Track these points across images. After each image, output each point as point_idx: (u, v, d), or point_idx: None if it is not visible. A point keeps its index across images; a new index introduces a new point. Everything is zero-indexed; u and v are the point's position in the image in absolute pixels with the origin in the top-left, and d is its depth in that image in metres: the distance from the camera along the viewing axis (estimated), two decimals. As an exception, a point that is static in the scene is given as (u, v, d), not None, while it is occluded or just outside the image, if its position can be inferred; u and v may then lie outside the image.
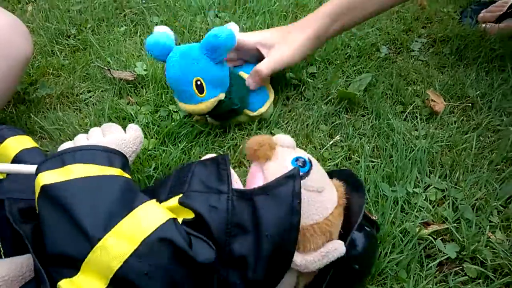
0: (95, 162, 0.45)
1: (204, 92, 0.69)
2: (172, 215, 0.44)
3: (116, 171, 0.46)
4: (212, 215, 0.45)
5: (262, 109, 0.80)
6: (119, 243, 0.40)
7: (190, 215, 0.46)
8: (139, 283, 0.39)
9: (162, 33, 0.71)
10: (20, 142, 0.59)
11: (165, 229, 0.42)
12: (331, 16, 0.81)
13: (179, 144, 0.75)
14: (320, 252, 0.46)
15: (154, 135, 0.77)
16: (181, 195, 0.48)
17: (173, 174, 0.54)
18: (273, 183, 0.47)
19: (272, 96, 0.83)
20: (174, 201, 0.48)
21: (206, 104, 0.70)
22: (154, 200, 0.45)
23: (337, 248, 0.47)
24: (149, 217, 0.42)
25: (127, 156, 0.53)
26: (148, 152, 0.73)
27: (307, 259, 0.46)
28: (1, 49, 0.71)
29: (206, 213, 0.45)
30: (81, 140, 0.54)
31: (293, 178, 0.46)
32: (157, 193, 0.51)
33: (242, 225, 0.45)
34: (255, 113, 0.80)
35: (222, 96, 0.72)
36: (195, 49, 0.69)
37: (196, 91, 0.69)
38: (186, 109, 0.71)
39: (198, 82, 0.68)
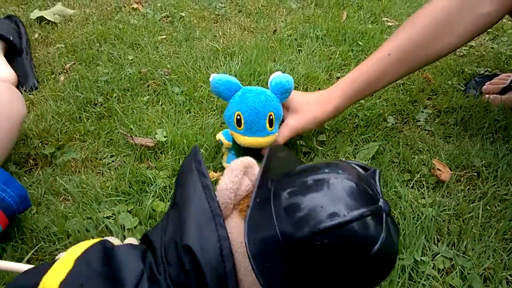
0: None
1: (273, 126, 0.81)
2: (103, 239, 0.50)
3: None
4: (153, 231, 0.50)
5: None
6: (53, 274, 0.43)
7: None
8: None
9: (229, 75, 0.83)
10: None
11: (94, 245, 0.46)
12: (345, 96, 0.91)
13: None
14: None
15: (171, 198, 0.80)
16: None
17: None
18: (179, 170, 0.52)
19: None
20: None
21: (272, 137, 0.82)
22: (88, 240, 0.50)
23: None
24: (81, 244, 0.47)
25: None
26: (164, 216, 0.77)
27: None
28: (4, 110, 0.81)
29: (149, 232, 0.49)
30: None
31: (193, 154, 0.50)
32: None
33: (173, 224, 0.47)
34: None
35: (277, 135, 0.84)
36: (266, 90, 0.83)
37: (268, 125, 0.80)
38: (251, 142, 0.80)
39: (271, 117, 0.80)
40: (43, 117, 1.03)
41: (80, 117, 1.05)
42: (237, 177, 0.46)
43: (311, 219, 0.38)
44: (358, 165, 0.47)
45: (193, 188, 0.46)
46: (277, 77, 0.83)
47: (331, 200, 0.39)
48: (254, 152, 0.83)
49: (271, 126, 0.80)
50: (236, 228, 0.45)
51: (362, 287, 0.42)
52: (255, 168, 0.50)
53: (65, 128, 1.01)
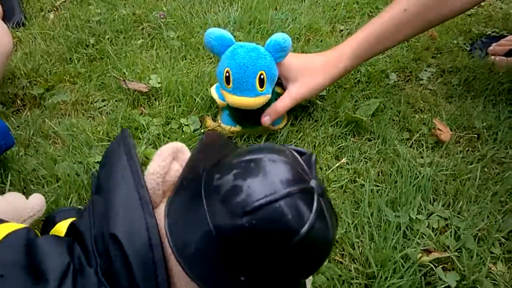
0: None
1: (264, 87, 0.75)
2: (27, 226, 0.45)
3: None
4: (80, 220, 0.44)
5: (280, 125, 0.85)
6: None
7: None
8: None
9: (223, 30, 0.77)
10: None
11: (16, 232, 0.43)
12: (354, 58, 0.86)
13: (188, 157, 0.76)
14: None
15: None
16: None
17: None
18: (105, 153, 0.47)
19: (286, 117, 0.88)
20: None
21: (262, 98, 0.76)
22: (12, 222, 0.46)
23: None
24: (1, 228, 0.43)
25: (22, 219, 0.55)
26: (157, 163, 0.74)
27: None
28: None
29: (76, 221, 0.45)
30: None
31: (122, 137, 0.45)
32: None
33: (100, 213, 0.42)
34: (274, 128, 0.84)
35: (269, 96, 0.78)
36: (260, 46, 0.77)
37: (258, 84, 0.74)
38: (239, 102, 0.75)
39: (262, 76, 0.74)
40: (32, 56, 0.99)
41: (70, 58, 1.00)
42: (164, 161, 0.42)
43: (239, 201, 0.36)
44: (294, 150, 0.43)
45: (121, 173, 0.42)
46: (274, 35, 0.77)
47: (259, 180, 0.36)
48: (248, 115, 0.80)
49: (261, 86, 0.75)
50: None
51: (295, 274, 0.40)
52: (186, 153, 0.46)
53: (55, 68, 0.97)
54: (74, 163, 0.73)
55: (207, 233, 0.36)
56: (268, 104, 0.80)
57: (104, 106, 0.89)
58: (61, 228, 0.56)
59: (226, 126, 0.82)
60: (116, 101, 0.89)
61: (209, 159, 0.44)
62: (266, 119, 0.81)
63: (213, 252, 0.37)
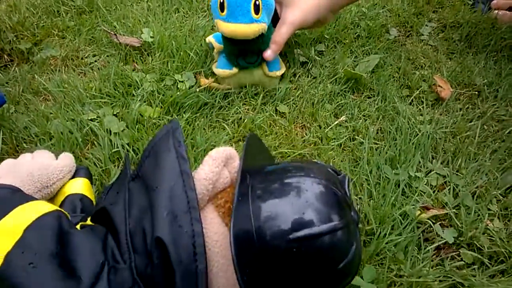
0: None
1: (260, 13, 0.71)
2: (58, 209, 0.43)
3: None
4: (113, 208, 0.42)
5: (278, 73, 0.82)
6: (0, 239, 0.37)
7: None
8: (24, 280, 0.35)
9: None
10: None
11: (49, 215, 0.40)
12: None
13: (184, 115, 0.75)
14: None
15: (159, 103, 0.76)
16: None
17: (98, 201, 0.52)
18: (151, 141, 0.44)
19: (284, 68, 0.85)
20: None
21: (258, 26, 0.72)
22: (43, 201, 0.44)
23: None
24: (32, 208, 0.41)
25: (51, 181, 0.53)
26: (153, 121, 0.73)
27: None
28: None
29: (109, 208, 0.42)
30: (8, 160, 0.53)
31: (172, 130, 0.43)
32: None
33: (139, 205, 0.41)
34: (271, 74, 0.81)
35: (265, 26, 0.74)
36: None
37: (253, 10, 0.70)
38: (234, 29, 0.71)
39: (257, 2, 0.70)
40: (17, 8, 0.94)
41: (58, 11, 0.96)
42: (217, 167, 0.41)
43: (284, 226, 0.37)
44: (330, 168, 0.45)
45: (169, 171, 0.40)
46: None
47: (305, 207, 0.37)
48: (244, 50, 0.76)
49: (257, 13, 0.71)
50: (210, 224, 0.41)
51: None
52: (236, 160, 0.45)
53: (42, 22, 0.92)
54: (67, 121, 0.71)
55: (255, 253, 0.37)
56: (265, 41, 0.77)
57: (95, 61, 0.85)
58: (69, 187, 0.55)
59: (221, 70, 0.79)
60: (107, 56, 0.86)
61: (253, 167, 0.44)
62: (268, 53, 0.78)
63: (262, 272, 0.37)
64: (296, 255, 0.37)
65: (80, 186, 0.56)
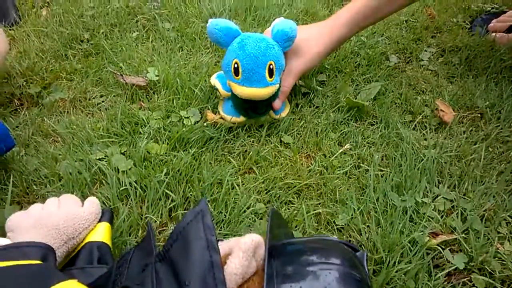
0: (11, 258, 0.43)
1: (273, 77, 0.74)
2: None
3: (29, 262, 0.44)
4: None
5: (283, 114, 0.84)
6: None
7: None
8: None
9: (227, 20, 0.76)
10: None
11: None
12: (349, 26, 0.85)
13: (190, 150, 0.76)
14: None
15: (165, 140, 0.77)
16: None
17: (115, 266, 0.51)
18: (180, 224, 0.43)
19: (289, 105, 0.87)
20: None
21: (272, 88, 0.75)
22: (75, 280, 0.42)
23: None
24: None
25: (77, 232, 0.52)
26: (160, 157, 0.74)
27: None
28: None
29: None
30: (35, 210, 0.54)
31: (201, 214, 0.42)
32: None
33: None
34: (277, 116, 0.83)
35: (278, 86, 0.77)
36: (267, 37, 0.76)
37: (267, 74, 0.73)
38: (249, 93, 0.74)
39: (271, 66, 0.73)
40: (27, 54, 0.97)
41: (66, 55, 0.99)
42: (247, 260, 0.41)
43: None
44: (347, 244, 0.46)
45: (200, 263, 0.39)
46: (280, 24, 0.76)
47: None
48: (255, 105, 0.78)
49: (271, 76, 0.74)
50: None
51: None
52: (262, 247, 0.45)
53: (51, 66, 0.95)
54: (75, 161, 0.73)
55: None
56: (275, 94, 0.79)
57: (103, 101, 0.88)
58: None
59: (229, 116, 0.81)
60: (114, 96, 0.88)
61: (275, 245, 0.44)
62: (277, 103, 0.81)
63: None
64: None
65: (101, 233, 0.56)
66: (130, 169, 0.72)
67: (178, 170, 0.72)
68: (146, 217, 0.65)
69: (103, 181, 0.71)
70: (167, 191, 0.68)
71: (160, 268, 0.42)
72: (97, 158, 0.73)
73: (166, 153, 0.75)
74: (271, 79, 0.74)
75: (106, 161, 0.73)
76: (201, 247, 0.39)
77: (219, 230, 0.64)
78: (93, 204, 0.57)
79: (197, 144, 0.77)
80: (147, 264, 0.43)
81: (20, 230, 0.51)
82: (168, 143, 0.77)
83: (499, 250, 0.63)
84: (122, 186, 0.69)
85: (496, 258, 0.62)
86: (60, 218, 0.52)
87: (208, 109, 0.84)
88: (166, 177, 0.70)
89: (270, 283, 0.39)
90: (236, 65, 0.73)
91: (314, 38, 0.84)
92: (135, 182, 0.70)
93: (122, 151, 0.75)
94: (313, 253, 0.42)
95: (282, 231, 0.54)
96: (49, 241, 0.49)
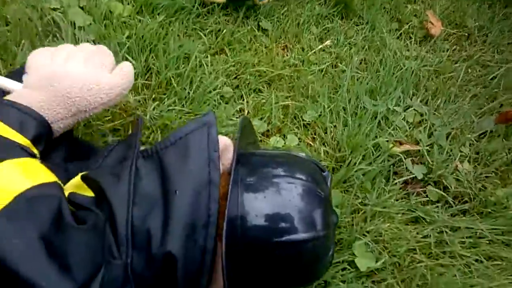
0: (2, 119, 0.36)
1: None
2: (57, 180, 0.36)
3: (21, 139, 0.36)
4: (114, 185, 0.36)
5: (265, 1, 0.75)
6: None
7: (90, 194, 0.38)
8: (12, 257, 0.29)
9: None
10: None
11: (47, 187, 0.34)
12: None
13: (157, 17, 0.68)
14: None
15: (131, 1, 0.69)
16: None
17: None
18: (182, 130, 0.39)
19: None
20: (77, 177, 0.39)
21: None
22: (36, 162, 0.36)
23: None
24: (26, 170, 0.34)
25: (91, 106, 0.41)
26: (123, 19, 0.66)
27: None
28: None
29: (106, 184, 0.36)
30: (60, 56, 0.42)
31: (208, 126, 0.38)
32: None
33: (148, 194, 0.36)
34: (261, 2, 0.75)
35: None
36: None
37: None
38: None
39: None
40: None
41: None
42: None
43: (269, 229, 0.37)
44: (314, 162, 0.44)
45: (196, 176, 0.36)
46: None
47: (290, 213, 0.38)
48: None
49: None
50: None
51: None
52: (230, 151, 0.42)
53: None
54: (26, 7, 0.63)
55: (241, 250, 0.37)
56: None
57: None
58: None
59: None
60: None
61: (243, 152, 0.43)
62: None
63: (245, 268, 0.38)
64: (277, 257, 0.38)
65: None
66: (89, 25, 0.64)
67: (142, 37, 0.65)
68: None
69: (57, 35, 0.63)
70: (127, 56, 0.62)
71: (142, 165, 0.38)
72: (52, 7, 0.64)
73: (130, 15, 0.67)
74: None
75: (61, 12, 0.64)
76: (201, 160, 0.36)
77: (181, 107, 0.60)
78: (123, 75, 0.43)
79: (166, 12, 0.69)
80: (126, 158, 0.38)
81: (31, 80, 0.41)
82: (133, 5, 0.69)
83: (458, 168, 0.63)
84: (78, 43, 0.61)
85: (454, 175, 0.63)
86: (76, 83, 0.40)
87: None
88: (128, 41, 0.63)
89: (234, 189, 0.38)
90: None
91: None
92: (93, 41, 0.62)
93: (81, 5, 0.66)
94: (280, 166, 0.41)
95: (251, 137, 0.52)
96: (53, 107, 0.39)
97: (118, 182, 0.36)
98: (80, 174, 0.38)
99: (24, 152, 0.35)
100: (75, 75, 0.41)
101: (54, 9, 0.65)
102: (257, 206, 0.37)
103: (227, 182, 0.37)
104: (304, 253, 0.38)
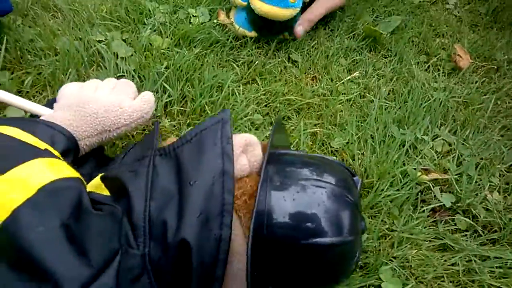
0: (35, 133, 0.40)
1: None
2: (80, 177, 0.39)
3: (52, 151, 0.40)
4: (132, 180, 0.38)
5: (299, 36, 0.79)
6: (9, 189, 0.33)
7: (107, 193, 0.40)
8: (35, 244, 0.31)
9: None
10: None
11: (70, 180, 0.36)
12: None
13: (194, 49, 0.72)
14: None
15: (169, 35, 0.74)
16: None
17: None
18: (197, 127, 0.41)
19: None
20: (96, 178, 0.42)
21: (291, 11, 0.71)
22: (62, 162, 0.39)
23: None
24: (51, 166, 0.36)
25: (115, 126, 0.47)
26: (162, 51, 0.71)
27: None
28: None
29: (126, 179, 0.38)
30: (89, 87, 0.49)
31: (222, 122, 0.40)
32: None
33: (165, 189, 0.38)
34: (290, 38, 0.79)
35: (299, 10, 0.73)
36: None
37: None
38: (268, 10, 0.70)
39: None
40: None
41: None
42: (234, 152, 0.40)
43: (297, 230, 0.38)
44: (345, 167, 0.46)
45: (211, 167, 0.37)
46: None
47: (320, 215, 0.38)
48: (269, 24, 0.73)
49: None
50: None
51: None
52: (256, 148, 0.43)
53: None
54: (74, 39, 0.69)
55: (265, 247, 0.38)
56: (294, 18, 0.73)
57: (109, -15, 0.82)
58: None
59: (240, 28, 0.76)
60: (122, -19, 0.83)
61: (273, 153, 0.44)
62: (299, 31, 0.77)
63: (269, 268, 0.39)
64: (301, 259, 0.38)
65: None
66: (130, 56, 0.68)
67: (179, 67, 0.69)
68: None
69: (101, 64, 0.68)
70: (165, 84, 0.66)
71: (160, 162, 0.40)
72: (97, 39, 0.70)
73: (168, 47, 0.72)
74: (293, 0, 0.69)
75: (105, 44, 0.69)
76: (215, 153, 0.38)
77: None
78: (145, 101, 0.49)
79: (202, 44, 0.74)
80: (144, 156, 0.41)
81: (62, 103, 0.47)
82: (172, 38, 0.73)
83: (487, 198, 0.63)
84: (120, 72, 0.66)
85: (483, 204, 0.62)
86: (103, 106, 0.46)
87: (222, 10, 0.80)
88: (166, 71, 0.67)
89: (263, 188, 0.39)
90: None
91: None
92: (134, 70, 0.67)
93: (124, 38, 0.72)
94: (310, 168, 0.42)
95: (283, 140, 0.53)
96: (81, 125, 0.45)
97: (136, 178, 0.38)
98: (99, 175, 0.41)
99: (53, 155, 0.39)
100: (102, 100, 0.47)
101: (99, 41, 0.70)
102: (285, 206, 0.38)
103: (255, 180, 0.39)
104: (329, 257, 0.38)
